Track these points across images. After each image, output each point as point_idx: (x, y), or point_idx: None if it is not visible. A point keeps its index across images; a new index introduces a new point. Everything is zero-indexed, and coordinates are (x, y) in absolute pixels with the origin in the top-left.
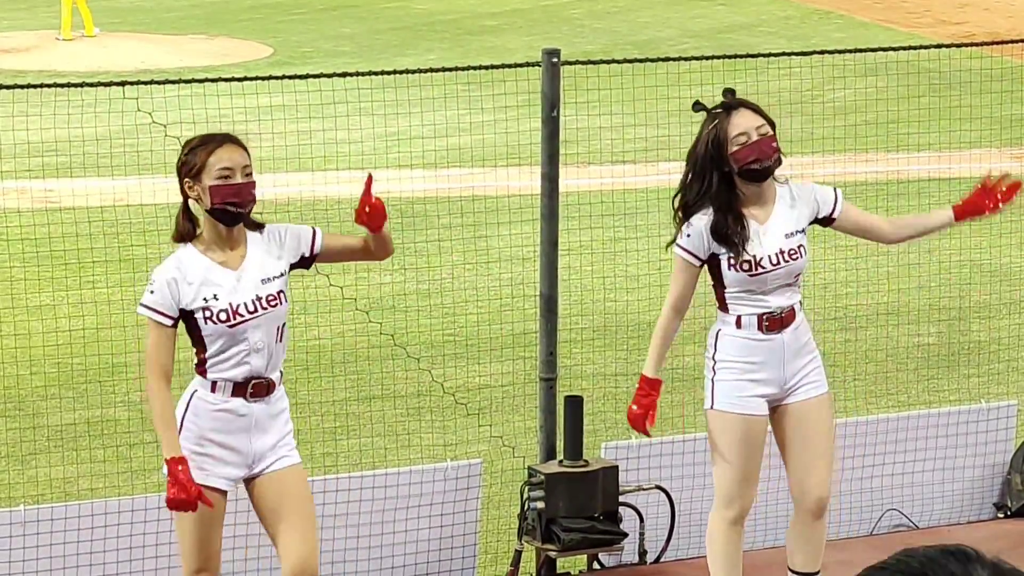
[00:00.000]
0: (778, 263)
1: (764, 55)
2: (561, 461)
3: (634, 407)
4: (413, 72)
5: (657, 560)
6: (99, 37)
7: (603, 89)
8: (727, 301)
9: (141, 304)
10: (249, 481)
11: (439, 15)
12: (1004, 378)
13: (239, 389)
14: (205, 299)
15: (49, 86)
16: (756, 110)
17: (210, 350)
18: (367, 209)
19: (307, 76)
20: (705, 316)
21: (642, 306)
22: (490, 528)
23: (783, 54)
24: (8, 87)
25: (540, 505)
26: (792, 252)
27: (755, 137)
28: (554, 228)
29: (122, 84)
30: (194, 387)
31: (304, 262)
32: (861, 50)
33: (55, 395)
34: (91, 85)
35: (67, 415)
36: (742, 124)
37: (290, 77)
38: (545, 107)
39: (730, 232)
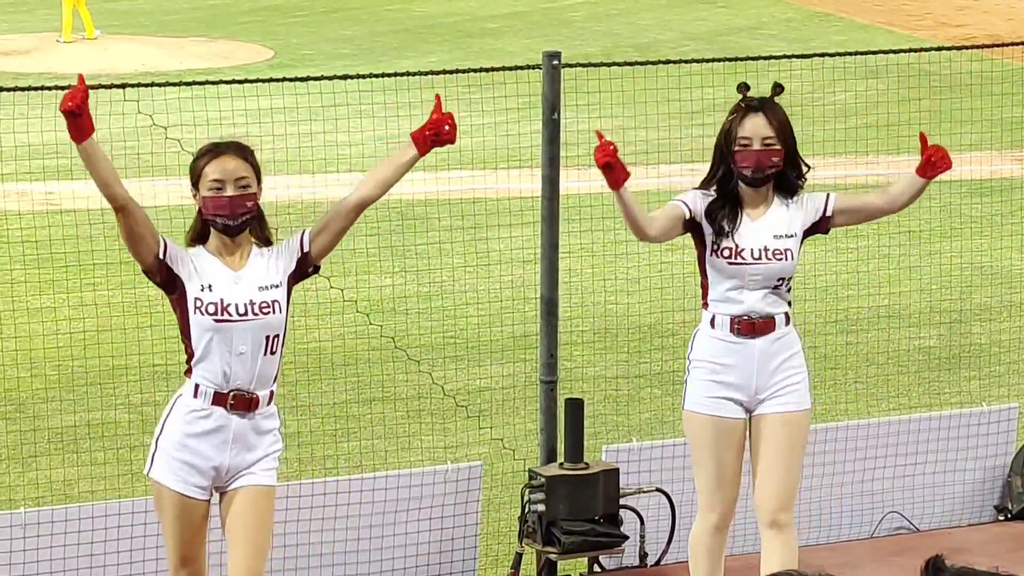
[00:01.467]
0: (760, 258)
1: (764, 58)
2: (562, 464)
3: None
4: (413, 75)
5: (658, 563)
6: (99, 39)
7: (603, 92)
8: (708, 299)
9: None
10: (223, 492)
11: (439, 18)
12: (1005, 380)
13: (220, 398)
14: (201, 286)
15: (50, 88)
16: (770, 121)
17: (195, 346)
18: (444, 127)
19: (308, 79)
20: (698, 320)
21: (643, 309)
22: (490, 531)
23: (783, 57)
24: (8, 89)
25: (540, 508)
26: (777, 252)
27: (757, 146)
28: (555, 231)
29: (122, 86)
30: (180, 391)
31: (306, 261)
32: (862, 53)
33: (55, 397)
34: (91, 87)
35: (67, 417)
36: (750, 130)
37: (291, 79)
38: (546, 110)
39: (720, 216)
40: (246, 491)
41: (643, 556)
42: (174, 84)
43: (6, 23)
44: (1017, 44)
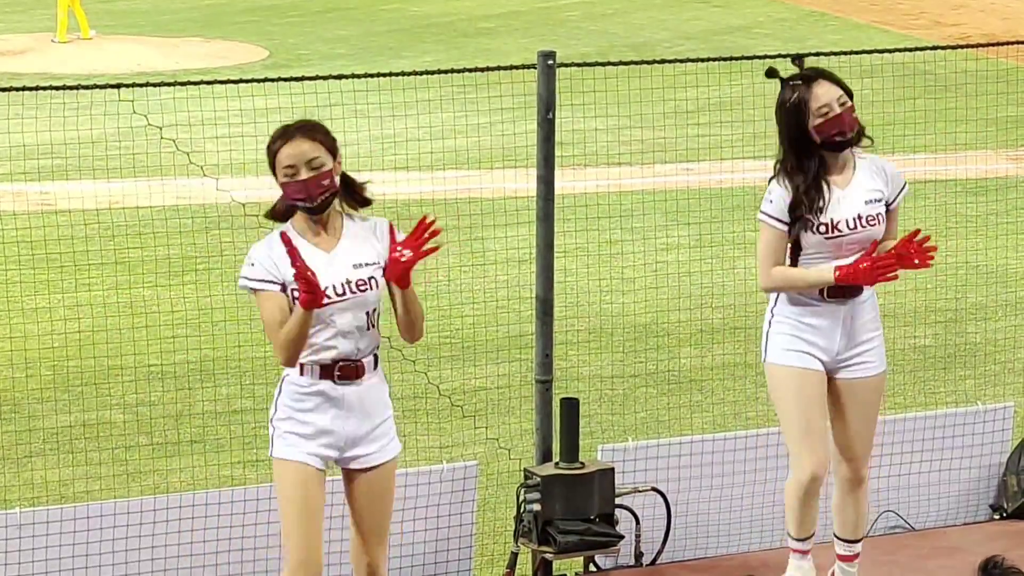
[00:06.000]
0: (855, 227)
1: (759, 57)
2: (557, 463)
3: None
4: (409, 74)
5: (653, 562)
6: (95, 39)
7: (599, 91)
8: (799, 263)
9: (243, 278)
10: (344, 469)
11: (435, 17)
12: (1000, 380)
13: (326, 371)
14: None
15: (45, 88)
16: (834, 80)
17: None
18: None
19: (303, 79)
20: (702, 319)
21: (638, 308)
22: (486, 530)
23: (778, 56)
24: (4, 89)
25: (536, 507)
26: (871, 218)
27: (837, 109)
28: (550, 230)
29: (118, 87)
30: (286, 371)
31: None
32: (856, 52)
33: (51, 398)
34: (87, 87)
35: (63, 418)
36: (823, 96)
37: (286, 79)
38: (541, 109)
39: (810, 200)
40: (373, 475)
41: (639, 556)
42: (169, 84)
43: (1, 23)
44: (1012, 43)
